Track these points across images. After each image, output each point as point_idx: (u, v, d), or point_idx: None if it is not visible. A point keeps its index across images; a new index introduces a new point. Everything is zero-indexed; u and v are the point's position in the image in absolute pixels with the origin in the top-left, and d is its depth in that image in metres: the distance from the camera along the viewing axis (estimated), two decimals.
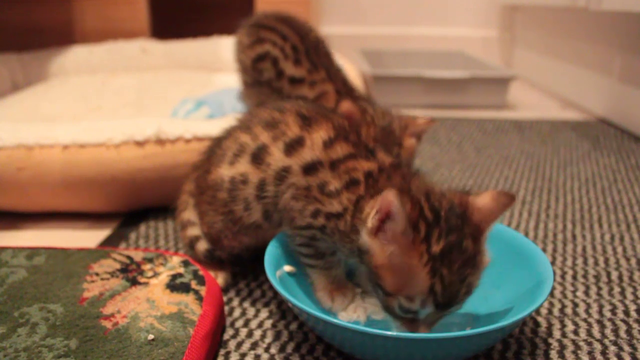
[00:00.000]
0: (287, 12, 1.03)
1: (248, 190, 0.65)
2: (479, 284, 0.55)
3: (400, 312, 0.54)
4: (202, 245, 0.74)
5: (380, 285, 0.54)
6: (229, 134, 0.71)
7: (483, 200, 0.56)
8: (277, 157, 0.63)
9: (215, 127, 0.85)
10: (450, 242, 0.52)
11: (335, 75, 0.98)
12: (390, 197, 0.51)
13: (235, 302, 0.70)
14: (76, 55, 1.65)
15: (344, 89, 0.97)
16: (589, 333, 0.65)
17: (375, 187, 0.58)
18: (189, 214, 0.76)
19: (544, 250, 0.84)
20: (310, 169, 0.61)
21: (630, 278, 0.77)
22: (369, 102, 0.96)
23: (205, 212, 0.72)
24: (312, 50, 0.97)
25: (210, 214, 0.71)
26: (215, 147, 0.72)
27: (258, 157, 0.64)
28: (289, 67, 0.95)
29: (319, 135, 0.63)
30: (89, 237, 0.88)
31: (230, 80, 1.34)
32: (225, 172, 0.67)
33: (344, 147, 0.62)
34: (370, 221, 0.53)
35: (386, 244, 0.52)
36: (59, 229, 0.92)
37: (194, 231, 0.75)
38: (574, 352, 0.61)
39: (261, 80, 0.98)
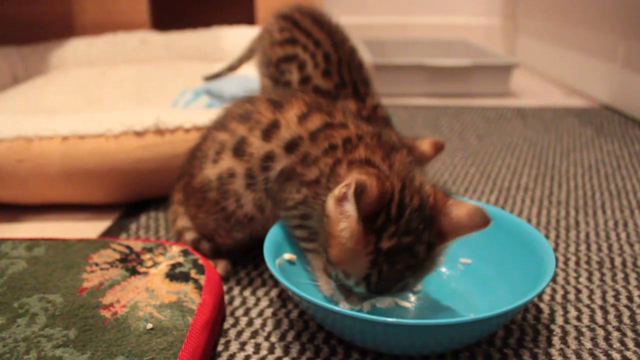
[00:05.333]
0: (314, 9, 0.96)
1: (238, 182, 0.66)
2: (418, 285, 0.57)
3: (335, 280, 0.57)
4: (205, 245, 0.74)
5: (326, 250, 0.55)
6: (205, 137, 0.72)
7: (458, 212, 0.55)
8: (257, 145, 0.65)
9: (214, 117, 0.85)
10: (402, 243, 0.52)
11: (360, 93, 0.92)
12: (351, 182, 0.51)
13: (236, 291, 0.70)
14: (76, 48, 1.64)
15: (366, 111, 0.91)
16: (592, 319, 0.64)
17: (354, 152, 0.59)
18: (182, 221, 0.76)
19: (547, 236, 0.84)
20: (291, 146, 0.63)
21: (634, 264, 0.76)
22: (388, 126, 0.90)
23: (195, 215, 0.73)
24: (344, 62, 0.91)
25: (200, 216, 0.72)
26: (195, 152, 0.73)
27: (239, 149, 0.66)
28: (317, 77, 0.90)
29: (292, 113, 0.64)
30: (90, 229, 0.88)
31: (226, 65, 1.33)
32: (210, 171, 0.68)
33: (319, 117, 0.63)
34: (338, 189, 0.53)
35: (342, 218, 0.53)
36: (59, 221, 0.92)
37: (190, 235, 0.75)
38: (576, 338, 0.61)
39: (279, 79, 0.94)
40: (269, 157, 0.64)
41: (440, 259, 0.56)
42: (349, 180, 0.52)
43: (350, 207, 0.52)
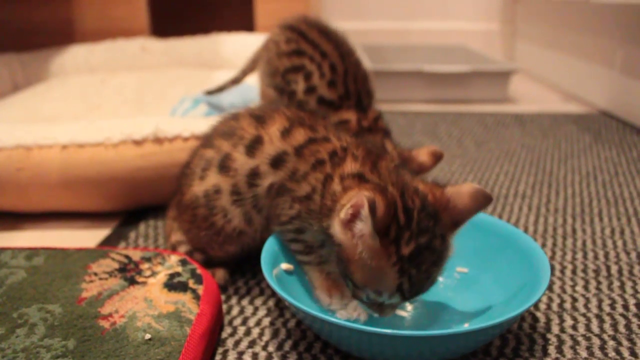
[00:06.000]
0: (320, 20, 0.96)
1: (224, 198, 0.68)
2: (442, 272, 0.58)
3: (368, 301, 0.57)
4: (197, 257, 0.75)
5: (350, 277, 0.56)
6: (194, 154, 0.73)
7: (462, 200, 0.56)
8: (241, 161, 0.66)
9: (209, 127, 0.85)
10: (420, 244, 0.54)
11: (363, 104, 0.91)
12: (361, 199, 0.51)
13: (234, 301, 0.70)
14: (76, 55, 1.65)
15: (367, 122, 0.90)
16: (588, 328, 0.64)
17: (343, 166, 0.59)
18: (175, 236, 0.77)
19: (544, 244, 0.84)
20: (277, 162, 0.64)
21: (630, 272, 0.76)
22: (387, 137, 0.90)
23: (188, 230, 0.74)
24: (350, 74, 0.91)
25: (193, 231, 0.73)
26: (185, 169, 0.74)
27: (224, 166, 0.67)
28: (322, 87, 0.90)
29: (275, 128, 0.65)
30: (89, 237, 0.89)
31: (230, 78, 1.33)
32: (197, 188, 0.70)
33: (302, 133, 0.64)
34: (344, 212, 0.54)
35: (356, 241, 0.54)
36: (58, 229, 0.92)
37: (183, 249, 0.76)
38: (572, 347, 0.61)
39: (284, 89, 0.93)
40: (255, 174, 0.65)
41: (453, 245, 0.58)
42: (353, 200, 0.53)
43: (364, 226, 0.52)
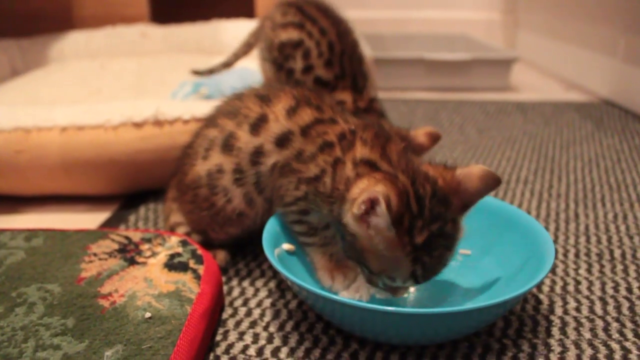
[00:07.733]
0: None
1: (226, 178, 0.67)
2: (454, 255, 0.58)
3: (383, 287, 0.58)
4: (195, 239, 0.74)
5: (365, 265, 0.57)
6: (196, 135, 0.72)
7: (472, 182, 0.56)
8: (245, 140, 0.65)
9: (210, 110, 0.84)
10: (432, 231, 0.53)
11: (358, 86, 0.91)
12: (377, 195, 0.51)
13: (235, 282, 0.70)
14: (75, 41, 1.64)
15: (362, 103, 0.91)
16: (591, 310, 0.64)
17: (353, 150, 0.59)
18: (174, 217, 0.77)
19: (547, 228, 0.83)
20: (282, 140, 0.63)
21: (634, 256, 0.76)
22: (383, 118, 0.90)
23: (190, 211, 0.73)
24: (346, 54, 0.90)
25: (195, 212, 0.72)
26: (187, 149, 0.73)
27: (227, 145, 0.66)
28: (320, 67, 0.89)
29: (280, 107, 0.64)
30: (89, 220, 0.88)
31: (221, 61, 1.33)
32: (200, 168, 0.69)
33: (309, 113, 0.63)
34: (357, 207, 0.54)
35: (371, 232, 0.54)
36: (58, 212, 0.92)
37: (181, 230, 0.75)
38: (575, 329, 0.61)
39: (282, 65, 0.92)
40: (259, 152, 0.64)
41: (463, 226, 0.57)
42: (365, 196, 0.52)
43: (381, 221, 0.52)
